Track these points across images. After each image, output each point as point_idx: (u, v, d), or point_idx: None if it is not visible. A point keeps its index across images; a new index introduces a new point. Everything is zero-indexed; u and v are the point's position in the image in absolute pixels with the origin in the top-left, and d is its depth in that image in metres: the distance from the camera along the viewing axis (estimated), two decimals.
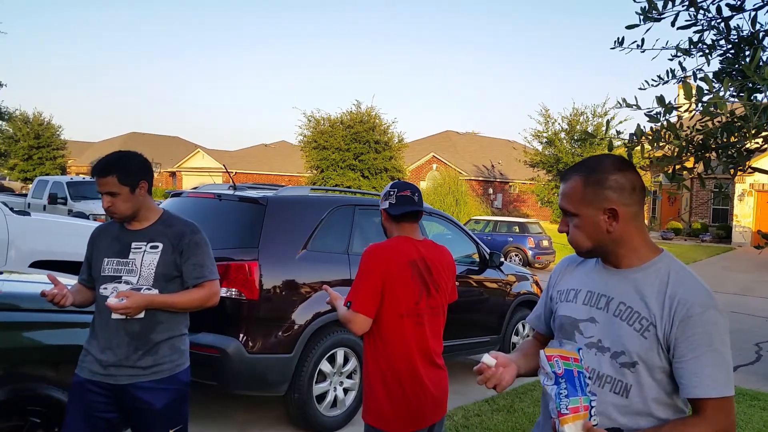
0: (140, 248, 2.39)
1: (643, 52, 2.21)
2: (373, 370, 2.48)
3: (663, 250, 1.59)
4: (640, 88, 2.18)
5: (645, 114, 2.06)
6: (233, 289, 4.03)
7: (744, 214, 23.46)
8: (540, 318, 1.84)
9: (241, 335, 3.99)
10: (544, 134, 24.72)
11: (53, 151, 38.64)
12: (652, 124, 2.00)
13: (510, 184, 38.53)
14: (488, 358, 1.56)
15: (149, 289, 2.37)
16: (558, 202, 1.60)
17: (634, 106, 1.99)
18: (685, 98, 1.64)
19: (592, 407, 1.42)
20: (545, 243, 17.24)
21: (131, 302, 2.22)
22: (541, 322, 1.83)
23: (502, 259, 6.05)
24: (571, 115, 24.23)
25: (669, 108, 1.94)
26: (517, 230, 17.44)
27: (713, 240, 25.07)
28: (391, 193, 2.53)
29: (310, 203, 4.72)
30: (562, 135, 24.28)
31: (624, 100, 1.99)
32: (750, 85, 1.73)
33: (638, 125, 2.08)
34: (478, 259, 5.93)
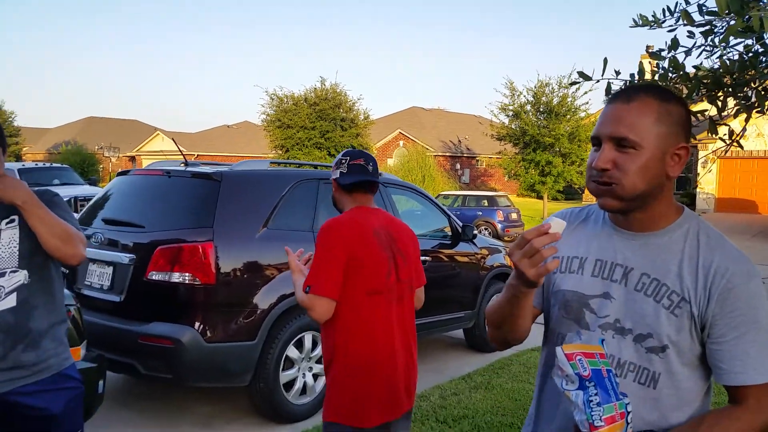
0: None
1: None
2: (339, 359, 2.18)
3: (685, 208, 1.31)
4: (631, 26, 1.90)
5: (647, 51, 1.79)
6: (187, 274, 3.67)
7: (707, 181, 23.81)
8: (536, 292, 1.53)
9: (197, 323, 3.65)
10: (510, 107, 24.58)
11: (6, 138, 37.25)
12: (656, 63, 1.73)
13: (477, 158, 38.49)
14: (558, 223, 1.15)
15: (15, 271, 1.97)
16: (602, 128, 1.23)
17: (653, 24, 1.70)
18: (717, 10, 1.37)
19: (628, 413, 1.14)
20: (514, 216, 17.20)
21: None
22: (536, 295, 1.51)
23: (476, 232, 5.80)
24: (536, 86, 24.13)
25: (676, 43, 1.67)
26: (486, 204, 17.34)
27: None
28: (343, 161, 2.29)
29: (269, 178, 4.38)
30: (528, 107, 24.20)
31: (640, 16, 1.70)
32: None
33: (640, 62, 1.81)
34: (450, 233, 5.68)
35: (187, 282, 3.68)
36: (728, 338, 1.18)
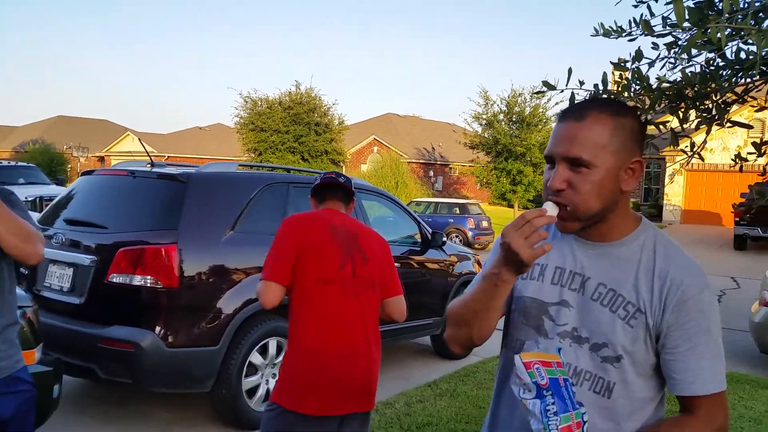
0: None
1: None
2: (290, 345, 2.28)
3: (642, 218, 1.32)
4: (592, 35, 1.92)
5: (611, 62, 1.82)
6: (149, 277, 3.60)
7: (674, 193, 24.34)
8: None
9: (159, 327, 3.57)
10: (484, 116, 24.87)
11: None
12: (619, 74, 1.76)
13: (450, 166, 38.72)
14: (553, 207, 1.21)
15: None
16: (555, 147, 1.21)
17: (613, 33, 1.72)
18: (676, 22, 1.39)
19: (584, 422, 1.14)
20: (485, 224, 17.32)
21: None
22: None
23: (445, 239, 5.82)
24: (509, 96, 24.47)
25: (639, 54, 1.70)
26: (458, 211, 17.43)
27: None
28: (318, 178, 2.53)
29: (237, 181, 4.32)
30: (501, 117, 24.51)
31: (602, 25, 1.72)
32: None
33: (604, 73, 1.83)
34: (420, 240, 5.69)
35: (149, 285, 3.60)
36: (682, 349, 1.19)
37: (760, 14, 1.50)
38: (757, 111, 2.03)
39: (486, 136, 24.72)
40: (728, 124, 1.92)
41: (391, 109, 52.76)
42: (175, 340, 3.60)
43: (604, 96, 1.39)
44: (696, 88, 1.80)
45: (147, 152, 4.91)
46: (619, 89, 1.82)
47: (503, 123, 24.36)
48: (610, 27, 1.74)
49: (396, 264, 5.21)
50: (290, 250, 2.23)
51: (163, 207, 3.95)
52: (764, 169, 2.12)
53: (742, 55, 1.70)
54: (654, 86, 1.77)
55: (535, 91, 2.00)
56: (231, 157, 34.67)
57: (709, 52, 1.69)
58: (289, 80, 71.44)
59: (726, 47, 1.53)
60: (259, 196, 4.24)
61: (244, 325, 3.85)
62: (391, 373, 5.32)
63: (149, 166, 4.32)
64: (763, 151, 1.97)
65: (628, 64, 1.78)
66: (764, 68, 1.75)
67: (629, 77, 1.78)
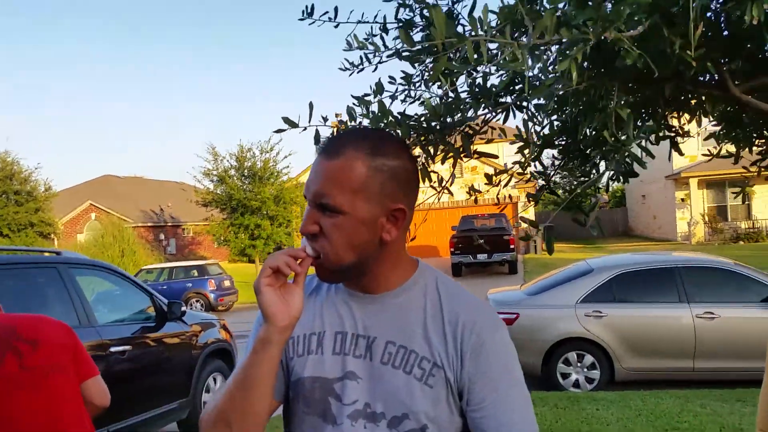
0: None
1: (336, 26, 1.80)
2: None
3: (419, 261, 1.15)
4: (341, 69, 1.76)
5: (352, 96, 1.66)
6: None
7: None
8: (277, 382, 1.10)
9: None
10: (214, 172, 24.35)
11: None
12: (361, 108, 1.61)
13: (183, 227, 36.86)
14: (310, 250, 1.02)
15: None
16: (309, 189, 1.01)
17: (371, 47, 1.54)
18: (406, 44, 1.27)
19: None
20: (227, 283, 16.65)
21: None
22: (278, 389, 1.10)
23: (184, 308, 5.21)
24: (238, 152, 24.42)
25: (381, 87, 1.58)
26: (196, 274, 16.46)
27: None
28: None
29: None
30: (232, 172, 24.28)
31: (355, 37, 1.54)
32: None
33: (348, 106, 1.67)
34: (154, 313, 4.99)
35: None
36: (488, 402, 1.02)
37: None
38: (486, 143, 2.07)
39: (219, 192, 24.18)
40: (475, 155, 1.92)
41: (109, 171, 48.43)
42: None
43: (366, 128, 1.24)
44: (442, 120, 1.76)
45: None
46: (368, 123, 1.69)
47: (235, 178, 24.13)
48: (362, 41, 1.58)
49: (127, 346, 4.50)
50: None
51: None
52: (498, 199, 2.20)
53: (480, 87, 1.70)
54: (399, 120, 1.67)
55: (275, 129, 1.75)
56: None
57: (451, 82, 1.66)
58: None
59: (477, 73, 1.49)
60: None
61: None
62: None
63: None
64: (496, 180, 2.02)
65: (370, 98, 1.65)
66: (500, 99, 1.78)
67: (374, 110, 1.65)
